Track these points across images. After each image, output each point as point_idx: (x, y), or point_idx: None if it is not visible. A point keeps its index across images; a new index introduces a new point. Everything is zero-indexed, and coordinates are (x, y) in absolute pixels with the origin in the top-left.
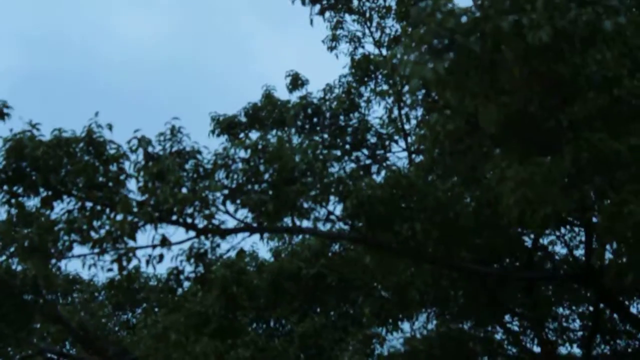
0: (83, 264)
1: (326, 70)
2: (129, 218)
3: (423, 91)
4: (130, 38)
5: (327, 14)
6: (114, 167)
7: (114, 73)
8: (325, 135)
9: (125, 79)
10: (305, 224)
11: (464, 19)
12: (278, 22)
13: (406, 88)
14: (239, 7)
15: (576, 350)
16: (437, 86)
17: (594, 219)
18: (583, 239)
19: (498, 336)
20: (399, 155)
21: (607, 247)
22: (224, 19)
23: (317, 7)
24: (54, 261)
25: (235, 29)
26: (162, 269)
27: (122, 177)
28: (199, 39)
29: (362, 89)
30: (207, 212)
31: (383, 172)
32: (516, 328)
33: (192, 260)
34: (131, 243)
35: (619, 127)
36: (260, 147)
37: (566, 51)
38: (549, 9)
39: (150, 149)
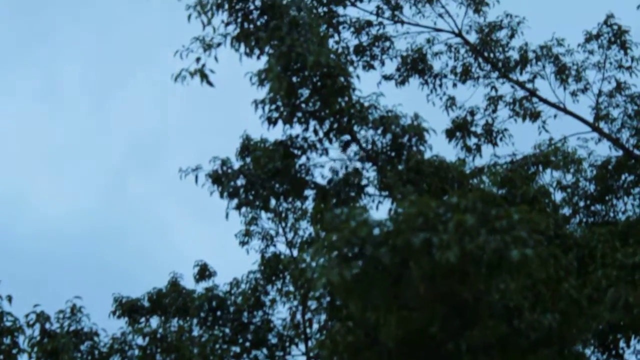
0: None
1: (237, 261)
2: None
3: (328, 298)
4: (46, 212)
5: (243, 209)
6: (7, 340)
7: (25, 245)
8: (227, 330)
9: (36, 252)
10: None
11: (376, 230)
12: (195, 209)
13: (312, 294)
14: (158, 193)
15: None
16: (341, 292)
17: None
18: None
19: None
20: (297, 359)
21: None
22: (141, 202)
23: (235, 201)
24: None
25: (153, 213)
26: None
27: (14, 351)
28: (115, 219)
29: (269, 287)
30: None
31: None
32: None
33: None
34: None
35: (516, 358)
36: (159, 335)
37: (472, 275)
38: (460, 231)
39: (47, 326)
